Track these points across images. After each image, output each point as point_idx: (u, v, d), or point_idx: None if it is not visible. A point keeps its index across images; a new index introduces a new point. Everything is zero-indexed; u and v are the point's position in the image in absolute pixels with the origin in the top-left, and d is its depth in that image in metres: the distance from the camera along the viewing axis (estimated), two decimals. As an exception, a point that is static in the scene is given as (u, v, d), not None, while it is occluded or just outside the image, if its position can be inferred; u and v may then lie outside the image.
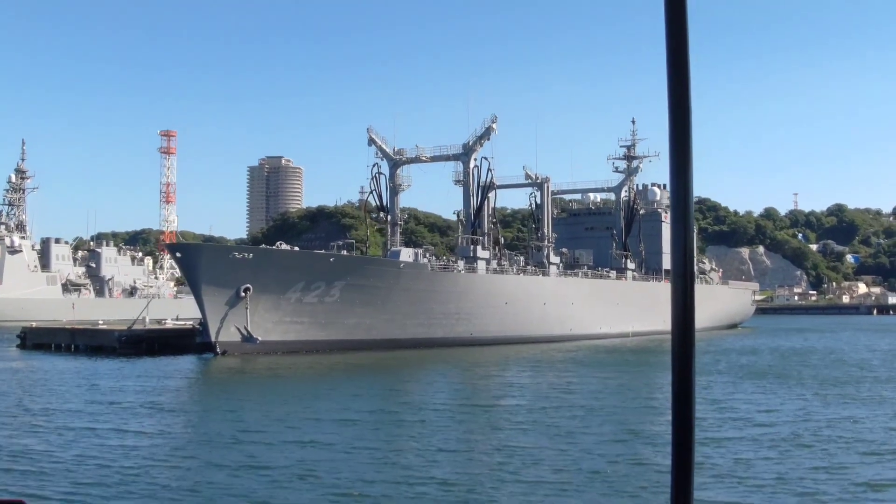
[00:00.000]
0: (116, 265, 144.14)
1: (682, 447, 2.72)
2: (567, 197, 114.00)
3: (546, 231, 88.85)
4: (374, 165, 77.35)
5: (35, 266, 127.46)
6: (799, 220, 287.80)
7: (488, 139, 75.90)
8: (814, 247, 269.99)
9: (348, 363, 53.37)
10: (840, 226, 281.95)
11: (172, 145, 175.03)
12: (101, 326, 65.76)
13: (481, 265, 75.24)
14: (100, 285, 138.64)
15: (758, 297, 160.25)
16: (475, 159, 76.88)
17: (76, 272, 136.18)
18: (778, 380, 43.15)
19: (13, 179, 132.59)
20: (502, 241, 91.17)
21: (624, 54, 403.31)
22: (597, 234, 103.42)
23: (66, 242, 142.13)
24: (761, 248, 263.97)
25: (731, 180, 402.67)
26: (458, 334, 69.77)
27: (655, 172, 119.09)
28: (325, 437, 25.14)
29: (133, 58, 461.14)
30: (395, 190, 79.18)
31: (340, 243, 74.75)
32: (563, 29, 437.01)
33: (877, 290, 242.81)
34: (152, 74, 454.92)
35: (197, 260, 56.84)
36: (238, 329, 56.84)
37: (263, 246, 77.23)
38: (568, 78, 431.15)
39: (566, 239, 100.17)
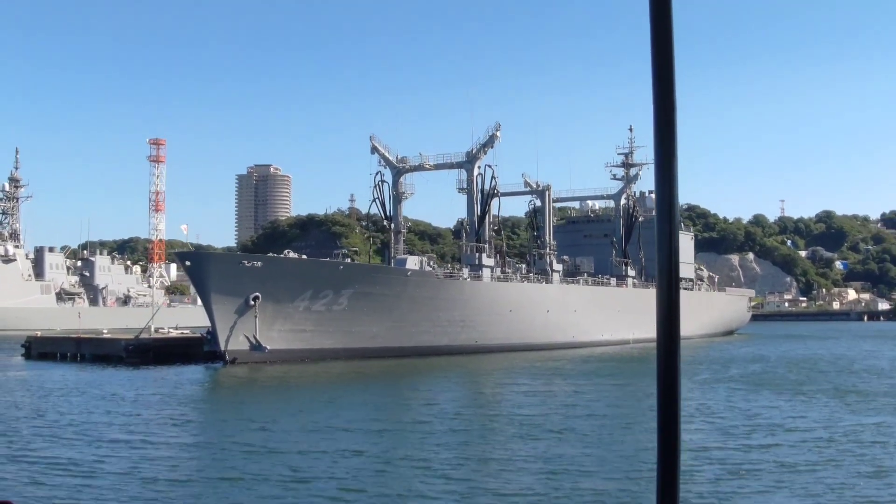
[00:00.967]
0: (110, 274, 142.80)
1: (667, 436, 2.70)
2: (565, 205, 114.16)
3: (548, 238, 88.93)
4: (376, 174, 77.30)
5: (29, 275, 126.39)
6: (788, 226, 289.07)
7: (492, 147, 75.82)
8: (803, 253, 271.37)
9: (357, 372, 53.11)
10: (829, 232, 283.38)
11: (162, 154, 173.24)
12: (105, 335, 65.26)
13: (486, 273, 75.14)
14: (94, 294, 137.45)
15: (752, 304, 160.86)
16: (479, 167, 76.91)
17: (70, 281, 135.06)
18: (810, 390, 41.75)
19: (7, 188, 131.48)
20: (505, 248, 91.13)
21: (621, 63, 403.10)
22: (596, 242, 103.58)
23: (60, 251, 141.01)
24: (751, 255, 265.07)
25: (719, 187, 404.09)
26: (462, 342, 69.55)
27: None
28: (363, 446, 24.96)
29: (123, 66, 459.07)
30: (398, 198, 78.99)
31: (337, 253, 74.27)
32: (562, 38, 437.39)
33: (866, 296, 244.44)
34: (142, 82, 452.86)
35: (206, 268, 56.51)
36: (247, 337, 56.57)
37: (272, 254, 76.77)
38: (565, 86, 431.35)
39: (565, 246, 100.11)
